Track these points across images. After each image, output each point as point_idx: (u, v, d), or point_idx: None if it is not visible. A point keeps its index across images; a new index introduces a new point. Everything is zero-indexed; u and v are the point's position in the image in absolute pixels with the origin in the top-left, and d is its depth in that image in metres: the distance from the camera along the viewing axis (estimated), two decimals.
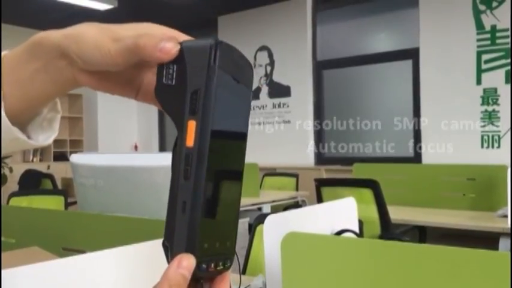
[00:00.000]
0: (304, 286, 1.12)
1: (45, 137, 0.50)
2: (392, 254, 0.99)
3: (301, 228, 1.38)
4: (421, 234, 3.29)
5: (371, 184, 3.07)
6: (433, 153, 5.30)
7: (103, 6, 6.27)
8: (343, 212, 1.62)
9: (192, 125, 0.35)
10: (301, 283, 1.13)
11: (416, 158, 5.48)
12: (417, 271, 0.95)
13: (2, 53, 0.47)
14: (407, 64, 5.62)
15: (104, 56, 0.41)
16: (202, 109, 0.35)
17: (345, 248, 1.06)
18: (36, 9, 6.46)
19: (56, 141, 7.49)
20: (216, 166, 0.35)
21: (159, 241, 0.38)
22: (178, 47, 0.39)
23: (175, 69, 0.38)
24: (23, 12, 6.60)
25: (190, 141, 0.35)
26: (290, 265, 1.13)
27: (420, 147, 5.45)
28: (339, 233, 1.49)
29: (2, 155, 0.51)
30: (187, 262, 0.35)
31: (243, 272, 2.33)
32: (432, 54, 5.33)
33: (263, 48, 6.65)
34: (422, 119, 5.42)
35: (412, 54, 5.55)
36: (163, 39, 0.39)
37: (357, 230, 1.64)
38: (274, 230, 1.30)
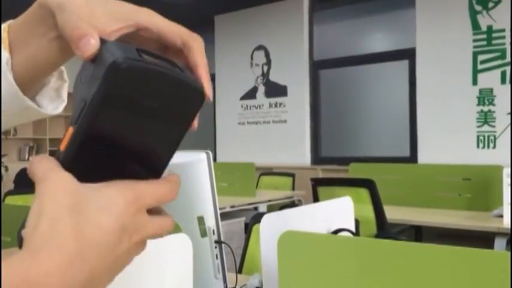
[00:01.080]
0: (300, 284, 1.12)
1: (54, 106, 0.51)
2: (389, 253, 0.99)
3: (297, 227, 1.38)
4: (417, 234, 3.30)
5: (367, 184, 3.07)
6: (429, 153, 5.31)
7: None
8: (340, 211, 1.62)
9: (69, 132, 0.38)
10: (297, 281, 1.13)
11: (413, 158, 5.49)
12: (414, 270, 0.95)
13: (5, 24, 0.48)
14: (404, 64, 5.63)
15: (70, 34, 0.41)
16: (80, 121, 0.37)
17: (342, 247, 1.06)
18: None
19: (52, 140, 7.47)
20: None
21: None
22: (96, 48, 0.38)
23: (90, 70, 0.38)
24: (21, 11, 6.56)
25: (63, 145, 0.38)
26: (287, 264, 1.13)
27: (416, 147, 5.46)
28: (336, 232, 1.50)
29: (14, 126, 0.53)
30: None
31: (239, 271, 2.33)
32: (428, 55, 5.34)
33: (260, 47, 6.65)
34: (418, 119, 5.43)
35: (408, 55, 5.56)
36: (91, 36, 0.39)
37: (353, 229, 1.64)
38: (271, 229, 1.30)
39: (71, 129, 0.38)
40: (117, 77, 0.35)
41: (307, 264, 1.10)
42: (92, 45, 0.38)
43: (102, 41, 0.38)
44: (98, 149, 0.38)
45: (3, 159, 6.02)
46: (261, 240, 1.31)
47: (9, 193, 3.44)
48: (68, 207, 0.35)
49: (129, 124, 0.37)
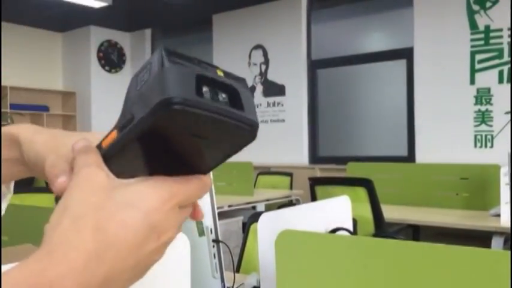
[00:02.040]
0: (298, 283, 1.12)
1: None
2: (387, 252, 0.99)
3: (295, 227, 1.38)
4: (415, 233, 3.30)
5: (365, 183, 3.07)
6: (426, 152, 5.31)
7: (98, 4, 6.24)
8: (338, 210, 1.62)
9: (112, 135, 0.39)
10: (295, 280, 1.13)
11: (410, 157, 5.50)
12: (412, 269, 0.95)
13: None
14: (402, 64, 5.63)
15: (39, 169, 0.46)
16: (124, 133, 0.38)
17: (339, 246, 1.06)
18: (32, 6, 6.42)
19: None
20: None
21: None
22: (64, 185, 0.41)
23: (148, 81, 0.38)
24: (18, 9, 6.56)
25: (105, 143, 0.40)
26: (284, 263, 1.13)
27: (414, 147, 5.46)
28: (333, 231, 1.49)
29: None
30: None
31: (237, 270, 2.33)
32: (426, 54, 5.34)
33: (258, 46, 6.64)
34: (416, 118, 5.44)
35: (406, 54, 5.57)
36: (59, 174, 0.42)
37: (351, 228, 1.64)
38: (269, 228, 1.30)
39: (114, 133, 0.39)
40: (167, 115, 0.35)
41: (305, 263, 1.10)
42: (63, 184, 0.41)
43: (163, 61, 0.38)
44: (139, 154, 0.38)
45: None
46: (258, 240, 1.30)
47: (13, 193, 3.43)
48: (93, 205, 0.35)
49: (173, 145, 0.38)
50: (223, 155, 0.41)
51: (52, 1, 6.09)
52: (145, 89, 0.37)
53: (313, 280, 1.09)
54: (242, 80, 0.41)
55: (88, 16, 6.98)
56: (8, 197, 0.56)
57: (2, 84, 6.69)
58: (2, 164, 0.50)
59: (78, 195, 0.35)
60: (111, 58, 7.82)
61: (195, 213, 0.44)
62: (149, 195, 0.36)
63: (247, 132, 0.39)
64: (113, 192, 0.36)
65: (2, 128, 0.51)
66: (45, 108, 7.45)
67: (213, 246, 1.49)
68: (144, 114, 0.35)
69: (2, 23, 6.79)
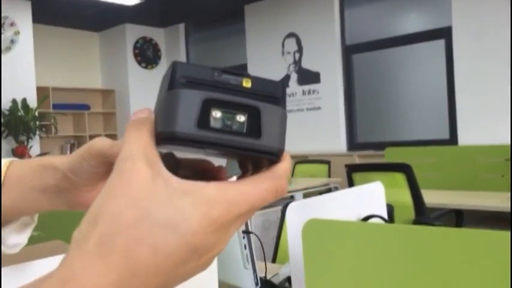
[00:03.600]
0: (327, 274, 1.09)
1: (15, 244, 0.53)
2: (420, 239, 0.94)
3: (324, 215, 1.35)
4: (458, 218, 3.19)
5: (403, 168, 2.99)
6: (469, 134, 5.13)
7: (131, 1, 6.33)
8: (370, 197, 1.57)
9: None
10: (323, 271, 1.10)
11: (452, 140, 5.33)
12: (449, 257, 0.89)
13: (7, 160, 0.51)
14: (440, 44, 5.45)
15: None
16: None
17: (369, 234, 1.02)
18: (68, 8, 6.57)
19: (92, 137, 7.62)
20: None
21: None
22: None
23: (164, 96, 0.37)
24: (54, 12, 6.73)
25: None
26: (312, 253, 1.10)
27: (456, 129, 5.29)
28: (366, 219, 1.45)
29: None
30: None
31: (274, 260, 2.32)
32: (466, 33, 5.14)
33: (291, 35, 6.57)
34: (457, 99, 5.25)
35: (444, 34, 5.38)
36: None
37: (385, 215, 1.60)
38: (297, 217, 1.27)
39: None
40: (167, 145, 0.34)
41: (334, 253, 1.06)
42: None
43: (169, 82, 0.35)
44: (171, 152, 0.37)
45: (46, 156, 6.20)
46: (287, 229, 1.28)
47: None
48: (126, 221, 0.31)
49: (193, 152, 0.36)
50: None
51: (88, 1, 6.21)
52: (156, 108, 0.36)
53: (343, 270, 1.06)
54: (275, 86, 0.36)
55: (123, 14, 7.09)
56: (32, 226, 0.55)
57: (45, 85, 6.89)
58: (28, 194, 0.49)
59: (112, 205, 0.31)
60: (146, 54, 7.93)
61: (221, 175, 0.42)
62: (195, 215, 0.31)
63: (266, 158, 0.35)
64: (155, 205, 0.31)
65: (35, 159, 0.50)
66: (86, 107, 7.64)
67: (243, 237, 1.48)
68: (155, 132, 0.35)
69: (42, 27, 6.99)
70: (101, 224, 0.31)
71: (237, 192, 0.33)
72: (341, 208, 1.43)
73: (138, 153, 0.33)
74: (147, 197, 0.31)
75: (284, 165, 0.36)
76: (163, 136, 0.33)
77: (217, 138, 0.33)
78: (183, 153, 0.38)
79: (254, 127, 0.34)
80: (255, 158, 0.36)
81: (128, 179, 0.32)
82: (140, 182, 0.32)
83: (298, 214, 1.29)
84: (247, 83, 0.35)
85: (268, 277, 1.70)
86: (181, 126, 0.32)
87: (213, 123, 0.33)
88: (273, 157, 0.35)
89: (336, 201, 1.43)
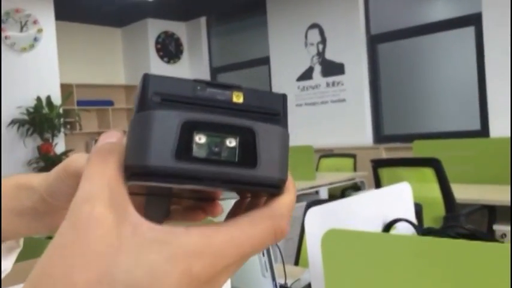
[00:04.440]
0: (348, 285, 1.01)
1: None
2: (447, 253, 0.86)
3: (346, 221, 1.26)
4: (490, 214, 3.05)
5: (432, 163, 2.86)
6: (501, 125, 4.93)
7: None
8: (397, 198, 1.47)
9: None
10: (345, 282, 1.02)
11: (483, 130, 5.13)
12: (474, 272, 0.82)
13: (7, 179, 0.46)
14: (469, 31, 5.24)
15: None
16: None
17: (391, 246, 0.94)
18: (90, 4, 6.58)
19: None
20: None
21: None
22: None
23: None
24: (76, 8, 6.75)
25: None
26: (332, 264, 1.02)
27: (487, 120, 5.09)
28: (392, 223, 1.36)
29: None
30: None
31: (296, 263, 2.24)
32: (496, 19, 4.93)
33: (314, 26, 6.44)
34: (488, 89, 5.05)
35: (473, 20, 5.17)
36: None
37: (413, 217, 1.49)
38: (317, 223, 1.19)
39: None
40: (144, 178, 0.27)
41: (354, 264, 0.98)
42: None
43: (139, 102, 0.28)
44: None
45: (70, 154, 6.25)
46: (306, 236, 1.20)
47: None
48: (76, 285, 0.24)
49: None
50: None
51: None
52: (127, 134, 0.28)
53: (364, 282, 0.98)
54: (274, 100, 0.30)
55: (144, 9, 7.07)
56: (17, 251, 0.51)
57: (69, 82, 6.93)
58: (4, 217, 0.44)
59: (60, 267, 0.24)
60: (168, 49, 7.90)
61: (214, 209, 0.36)
62: (171, 273, 0.25)
63: (264, 191, 0.29)
64: (118, 263, 0.25)
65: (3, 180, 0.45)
66: (110, 103, 7.67)
67: None
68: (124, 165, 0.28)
69: (65, 24, 7.03)
70: (44, 281, 0.24)
71: (225, 240, 0.27)
72: (364, 213, 1.33)
73: (99, 193, 0.26)
74: (107, 253, 0.24)
75: (286, 199, 0.29)
76: (133, 171, 0.27)
77: (201, 171, 0.26)
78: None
79: (248, 154, 0.28)
80: (252, 190, 0.30)
81: (83, 229, 0.25)
82: (100, 233, 0.25)
83: (318, 220, 1.21)
84: (238, 98, 0.29)
85: (289, 283, 1.62)
86: (155, 159, 0.26)
87: (196, 152, 0.27)
88: (272, 190, 0.28)
89: (359, 205, 1.34)
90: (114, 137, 0.29)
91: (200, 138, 0.27)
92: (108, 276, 0.24)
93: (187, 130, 0.26)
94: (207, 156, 0.27)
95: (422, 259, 0.89)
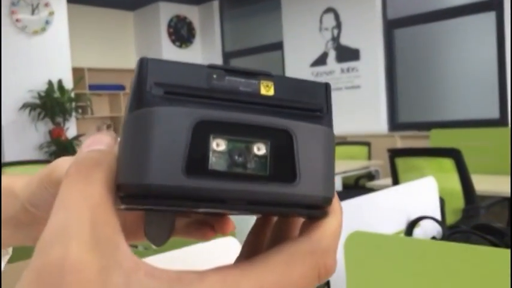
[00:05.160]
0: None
1: None
2: (472, 259, 0.80)
3: (370, 219, 1.19)
4: (511, 206, 2.96)
5: (452, 153, 2.77)
6: None
7: None
8: (422, 194, 1.39)
9: None
10: (367, 285, 0.96)
11: (503, 119, 5.00)
12: (498, 278, 0.76)
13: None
14: (490, 16, 5.08)
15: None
16: None
17: (417, 251, 0.87)
18: None
19: None
20: None
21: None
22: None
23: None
24: None
25: None
26: (356, 269, 0.95)
27: (506, 108, 4.96)
28: (416, 220, 1.28)
29: None
30: None
31: None
32: None
33: (329, 10, 6.30)
34: (508, 75, 4.91)
35: (494, 5, 5.01)
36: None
37: (438, 214, 1.42)
38: None
39: None
40: (143, 202, 0.21)
41: (377, 267, 0.92)
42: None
43: (138, 98, 0.21)
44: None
45: (82, 138, 6.22)
46: None
47: None
48: None
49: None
50: None
51: None
52: (120, 141, 0.22)
53: (387, 286, 0.91)
54: (315, 90, 0.23)
55: None
56: (6, 258, 0.46)
57: (80, 66, 6.89)
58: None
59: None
60: (180, 33, 7.81)
61: (225, 226, 0.31)
62: None
63: (304, 215, 0.23)
64: None
65: None
66: (122, 88, 7.62)
67: None
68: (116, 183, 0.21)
69: (76, 7, 6.95)
70: None
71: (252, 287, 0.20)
72: (389, 210, 1.26)
73: (77, 228, 0.19)
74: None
75: (332, 225, 0.23)
76: (128, 192, 0.20)
77: (222, 190, 0.20)
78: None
79: (283, 164, 0.21)
80: (287, 214, 0.23)
81: (53, 284, 0.17)
82: (76, 285, 0.17)
83: None
84: (267, 89, 0.22)
85: None
86: (158, 176, 0.19)
87: (214, 164, 0.20)
88: (315, 212, 0.22)
89: (383, 202, 1.26)
90: (103, 143, 0.23)
91: (219, 145, 0.21)
92: None
93: (202, 134, 0.20)
94: (229, 169, 0.21)
95: (448, 264, 0.84)
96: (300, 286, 0.21)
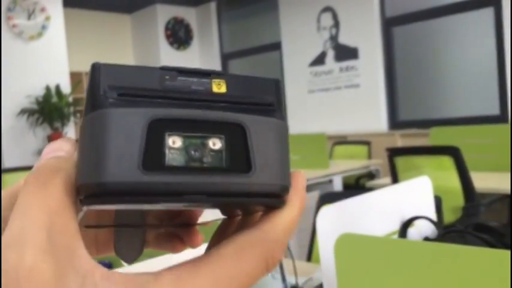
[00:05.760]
0: None
1: None
2: (467, 260, 0.79)
3: (362, 221, 1.16)
4: None
5: (451, 151, 2.75)
6: None
7: None
8: (416, 194, 1.37)
9: None
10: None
11: (503, 115, 4.97)
12: (495, 281, 0.74)
13: None
14: (488, 12, 5.06)
15: None
16: None
17: (409, 252, 0.85)
18: None
19: None
20: None
21: None
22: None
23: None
24: None
25: None
26: (346, 271, 0.93)
27: (506, 104, 4.93)
28: (410, 220, 1.25)
29: None
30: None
31: (309, 258, 2.15)
32: None
33: (326, 9, 6.28)
34: (507, 71, 4.88)
35: (493, 1, 4.99)
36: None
37: (433, 213, 1.39)
38: (330, 226, 1.09)
39: None
40: (102, 200, 0.22)
41: (369, 271, 0.90)
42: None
43: (91, 101, 0.23)
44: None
45: None
46: (318, 237, 1.11)
47: None
48: None
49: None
50: None
51: None
52: (78, 145, 0.23)
53: None
54: (265, 86, 0.24)
55: None
56: None
57: (78, 70, 6.88)
58: None
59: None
60: (178, 35, 7.80)
61: (193, 238, 0.31)
62: None
63: (263, 203, 0.24)
64: None
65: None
66: None
67: None
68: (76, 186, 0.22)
69: (73, 11, 6.95)
70: None
71: (206, 284, 0.21)
72: (381, 211, 1.23)
73: (33, 234, 0.19)
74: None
75: (285, 217, 0.24)
76: (87, 192, 0.21)
77: (179, 183, 0.21)
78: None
79: (239, 156, 0.23)
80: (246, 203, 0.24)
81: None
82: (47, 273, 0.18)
83: (331, 220, 1.12)
84: (219, 87, 0.23)
85: (300, 281, 1.53)
86: (115, 173, 0.20)
87: (170, 160, 0.21)
88: (273, 201, 0.23)
89: (375, 203, 1.23)
90: (62, 150, 0.24)
91: (174, 142, 0.21)
92: None
93: (157, 132, 0.21)
94: (186, 164, 0.22)
95: (442, 266, 0.82)
96: (251, 276, 0.22)
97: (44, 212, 0.20)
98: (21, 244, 0.19)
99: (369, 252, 0.89)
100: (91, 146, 0.21)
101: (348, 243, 0.90)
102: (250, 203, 0.23)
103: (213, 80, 0.23)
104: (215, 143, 0.22)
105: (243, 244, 0.22)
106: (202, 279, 0.21)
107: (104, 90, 0.22)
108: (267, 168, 0.22)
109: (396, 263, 0.87)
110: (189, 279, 0.21)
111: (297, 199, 0.24)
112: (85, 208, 0.22)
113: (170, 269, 0.21)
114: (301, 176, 0.25)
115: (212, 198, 0.21)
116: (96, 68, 0.23)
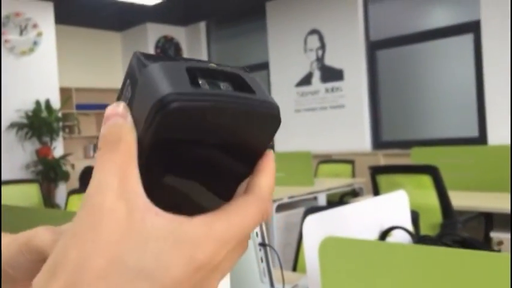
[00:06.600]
0: None
1: None
2: (442, 261, 0.86)
3: (343, 229, 1.27)
4: (487, 222, 3.06)
5: (430, 170, 2.87)
6: (499, 132, 4.95)
7: (152, 1, 6.31)
8: (394, 206, 1.48)
9: None
10: None
11: (481, 137, 5.15)
12: (476, 282, 0.82)
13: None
14: (468, 38, 5.27)
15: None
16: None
17: (388, 254, 0.94)
18: (89, 8, 6.59)
19: None
20: None
21: None
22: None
23: (133, 88, 0.32)
24: (76, 12, 6.76)
25: None
26: (329, 272, 1.02)
27: (485, 127, 5.11)
28: (388, 230, 1.37)
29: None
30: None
31: (294, 268, 2.24)
32: (495, 27, 4.96)
33: (313, 32, 6.46)
34: (486, 96, 5.07)
35: (472, 28, 5.20)
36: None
37: (409, 225, 1.51)
38: (314, 232, 1.20)
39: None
40: (166, 121, 0.27)
41: (351, 271, 0.99)
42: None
43: (143, 63, 0.30)
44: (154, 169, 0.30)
45: (69, 158, 6.24)
46: (304, 243, 1.21)
47: (73, 192, 3.51)
48: (94, 271, 0.25)
49: (185, 160, 0.30)
50: (251, 158, 0.33)
51: (109, 1, 6.22)
52: (134, 108, 0.29)
53: None
54: (242, 68, 0.33)
55: (144, 13, 7.08)
56: None
57: (68, 86, 6.94)
58: None
59: (77, 252, 0.26)
60: (168, 54, 7.92)
61: None
62: (177, 260, 0.26)
63: (269, 116, 0.31)
64: (128, 250, 0.26)
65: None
66: None
67: (260, 250, 1.41)
68: (140, 128, 0.28)
69: (64, 28, 7.04)
70: (62, 274, 0.25)
71: (225, 227, 0.28)
72: (362, 221, 1.34)
73: (109, 184, 0.27)
74: (119, 241, 0.26)
75: (266, 182, 0.31)
76: (155, 111, 0.26)
77: (219, 94, 0.28)
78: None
79: (243, 88, 0.30)
80: (229, 174, 0.31)
81: (96, 221, 0.26)
82: (112, 224, 0.26)
83: (316, 227, 1.22)
84: (213, 66, 0.32)
85: None
86: (178, 87, 0.27)
87: (203, 87, 0.29)
88: (275, 111, 0.31)
89: (356, 213, 1.35)
90: (120, 116, 0.29)
91: (201, 82, 0.29)
92: (120, 263, 0.25)
93: (190, 74, 0.29)
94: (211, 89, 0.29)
95: (419, 267, 0.90)
96: (253, 224, 0.29)
97: (114, 168, 0.27)
98: (102, 191, 0.26)
99: (352, 254, 0.99)
100: (151, 84, 0.27)
101: (331, 246, 1.01)
102: (260, 116, 0.30)
103: (209, 64, 0.32)
104: (224, 85, 0.30)
105: (245, 203, 0.30)
106: (222, 222, 0.28)
107: (146, 57, 0.30)
108: (264, 96, 0.31)
109: (377, 265, 0.96)
110: (213, 222, 0.27)
111: (270, 168, 0.32)
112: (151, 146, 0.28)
113: (199, 217, 0.28)
114: (270, 153, 0.33)
115: (235, 104, 0.29)
116: (137, 52, 0.31)
